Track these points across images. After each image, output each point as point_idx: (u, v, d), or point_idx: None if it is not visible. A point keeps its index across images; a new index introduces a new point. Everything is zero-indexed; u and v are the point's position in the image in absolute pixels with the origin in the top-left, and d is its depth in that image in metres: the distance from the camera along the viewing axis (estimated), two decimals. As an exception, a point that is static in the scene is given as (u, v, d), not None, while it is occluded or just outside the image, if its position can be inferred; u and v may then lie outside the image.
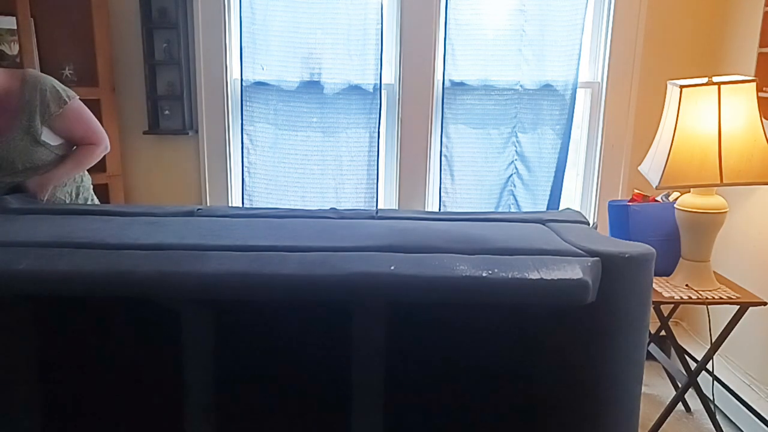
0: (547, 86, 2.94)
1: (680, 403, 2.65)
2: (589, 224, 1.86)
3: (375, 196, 3.04)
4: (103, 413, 1.79)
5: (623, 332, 1.48)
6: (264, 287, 1.38)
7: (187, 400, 1.55)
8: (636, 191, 2.55)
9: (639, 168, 2.41)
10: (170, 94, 2.95)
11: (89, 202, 2.37)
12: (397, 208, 3.06)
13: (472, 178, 3.04)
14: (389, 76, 2.99)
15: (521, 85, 2.94)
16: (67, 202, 2.28)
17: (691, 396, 2.64)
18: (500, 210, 3.04)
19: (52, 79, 2.16)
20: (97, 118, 2.26)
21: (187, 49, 2.92)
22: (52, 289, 1.40)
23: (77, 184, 2.33)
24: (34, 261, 1.40)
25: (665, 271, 2.33)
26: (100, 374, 1.79)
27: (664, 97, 2.29)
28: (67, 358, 1.76)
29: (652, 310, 1.66)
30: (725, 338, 2.26)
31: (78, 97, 2.18)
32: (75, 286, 1.39)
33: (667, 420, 2.40)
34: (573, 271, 1.37)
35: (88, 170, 2.36)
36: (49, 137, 2.13)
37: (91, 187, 2.41)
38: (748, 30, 2.63)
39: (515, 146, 3.00)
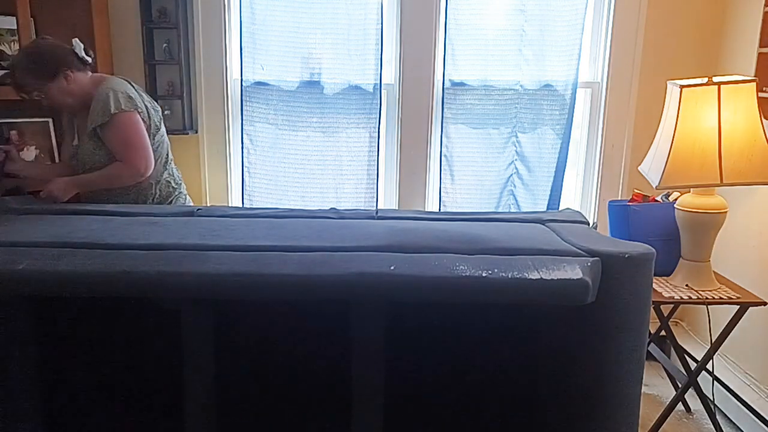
0: (547, 86, 2.94)
1: (680, 403, 2.65)
2: (588, 224, 1.86)
3: (375, 196, 3.03)
4: (103, 413, 1.79)
5: (623, 332, 1.48)
6: (264, 287, 1.38)
7: (187, 400, 1.55)
8: (636, 191, 2.55)
9: (639, 168, 2.41)
10: (170, 94, 2.95)
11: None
12: (397, 208, 3.06)
13: (472, 178, 3.04)
14: (389, 76, 2.99)
15: (521, 85, 2.94)
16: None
17: (691, 396, 2.63)
18: (500, 210, 3.04)
19: (119, 88, 2.19)
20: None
21: (187, 49, 2.91)
22: (52, 289, 1.40)
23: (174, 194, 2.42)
24: (34, 261, 1.40)
25: (665, 271, 2.33)
26: (100, 374, 1.79)
27: (664, 97, 2.29)
28: (67, 357, 1.77)
29: (652, 310, 1.66)
30: (725, 338, 2.26)
31: (136, 111, 2.19)
32: (75, 286, 1.39)
33: (667, 420, 2.40)
34: (573, 271, 1.37)
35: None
36: None
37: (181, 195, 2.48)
38: (748, 30, 2.63)
39: (515, 146, 3.00)
